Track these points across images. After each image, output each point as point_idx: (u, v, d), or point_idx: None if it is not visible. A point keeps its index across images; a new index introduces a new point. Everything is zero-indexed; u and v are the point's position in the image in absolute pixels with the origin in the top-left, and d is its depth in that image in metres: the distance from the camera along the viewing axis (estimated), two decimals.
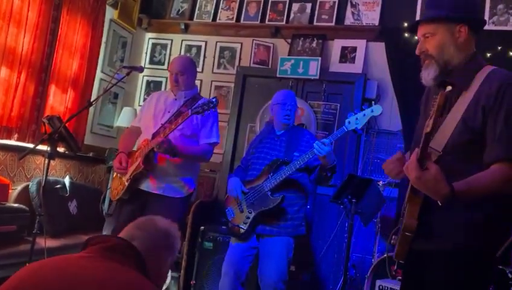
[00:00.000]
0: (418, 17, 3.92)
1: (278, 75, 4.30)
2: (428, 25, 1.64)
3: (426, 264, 1.60)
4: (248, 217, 2.73)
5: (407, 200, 1.56)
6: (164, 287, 3.67)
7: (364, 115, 2.54)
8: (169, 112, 2.86)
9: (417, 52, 1.67)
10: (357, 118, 2.54)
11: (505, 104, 1.50)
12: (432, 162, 1.44)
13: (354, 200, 3.05)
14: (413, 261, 1.63)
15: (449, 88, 1.56)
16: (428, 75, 1.63)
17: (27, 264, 2.55)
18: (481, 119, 1.52)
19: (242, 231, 2.74)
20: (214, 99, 2.59)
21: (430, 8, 1.67)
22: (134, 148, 2.94)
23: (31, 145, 3.14)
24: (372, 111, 2.55)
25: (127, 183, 2.74)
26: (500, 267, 2.74)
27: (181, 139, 2.75)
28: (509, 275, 2.67)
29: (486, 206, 1.51)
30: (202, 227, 3.59)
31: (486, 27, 3.75)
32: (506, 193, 1.50)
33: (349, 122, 2.55)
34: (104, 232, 2.84)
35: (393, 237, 1.70)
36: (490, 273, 1.61)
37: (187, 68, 2.92)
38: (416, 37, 1.76)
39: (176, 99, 2.91)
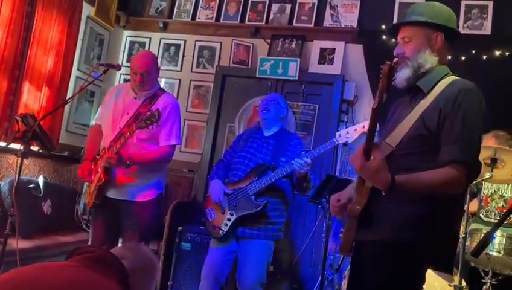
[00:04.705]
0: (395, 20, 4.00)
1: (257, 75, 4.30)
2: (408, 29, 1.72)
3: (364, 254, 1.66)
4: (229, 219, 2.71)
5: (356, 190, 1.62)
6: None
7: (356, 130, 2.53)
8: (128, 113, 2.76)
9: (394, 53, 1.74)
10: (348, 132, 2.53)
11: (462, 109, 1.57)
12: (377, 151, 1.51)
13: None
14: (356, 252, 1.69)
15: (395, 60, 1.60)
16: (402, 76, 1.70)
17: None
18: (437, 121, 1.59)
19: (222, 232, 2.72)
20: (156, 113, 2.48)
21: (411, 14, 1.75)
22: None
23: (3, 144, 3.05)
24: (363, 127, 2.54)
25: (94, 194, 2.69)
26: (473, 265, 2.80)
27: (139, 143, 2.68)
28: (482, 273, 2.73)
29: (422, 202, 1.56)
30: (180, 228, 3.56)
31: (461, 31, 3.88)
32: (447, 194, 1.55)
33: (339, 136, 2.55)
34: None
35: (341, 230, 1.76)
36: (422, 268, 1.65)
37: (152, 68, 2.79)
38: (393, 40, 1.81)
39: (135, 98, 2.80)
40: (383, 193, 1.51)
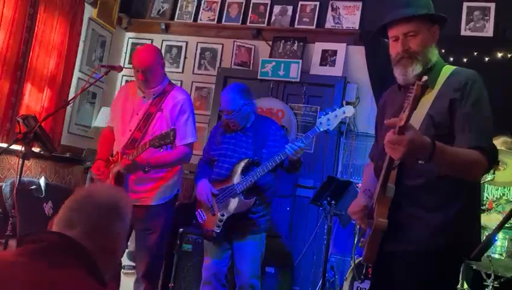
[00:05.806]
0: None
1: (259, 77, 4.30)
2: (410, 24, 1.64)
3: (395, 265, 1.62)
4: (221, 220, 2.67)
5: (377, 201, 1.58)
6: None
7: (336, 116, 2.48)
8: (137, 114, 2.67)
9: (400, 49, 1.65)
10: (328, 119, 2.48)
11: (472, 96, 1.55)
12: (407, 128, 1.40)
13: (333, 202, 3.07)
14: (383, 262, 1.65)
15: (425, 78, 1.54)
16: (413, 71, 1.63)
17: None
18: (447, 111, 1.56)
19: (215, 234, 2.69)
20: (172, 133, 2.34)
21: (407, 7, 1.65)
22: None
23: (4, 145, 3.05)
24: (344, 112, 2.48)
25: None
26: (475, 268, 2.79)
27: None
28: (484, 276, 2.72)
29: (447, 207, 1.55)
30: (181, 229, 3.56)
31: (463, 33, 3.88)
32: (471, 177, 1.52)
33: (320, 123, 2.50)
34: None
35: (361, 239, 1.72)
36: (456, 272, 1.64)
37: (154, 63, 2.60)
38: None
39: (143, 98, 2.69)
40: (424, 162, 1.41)
